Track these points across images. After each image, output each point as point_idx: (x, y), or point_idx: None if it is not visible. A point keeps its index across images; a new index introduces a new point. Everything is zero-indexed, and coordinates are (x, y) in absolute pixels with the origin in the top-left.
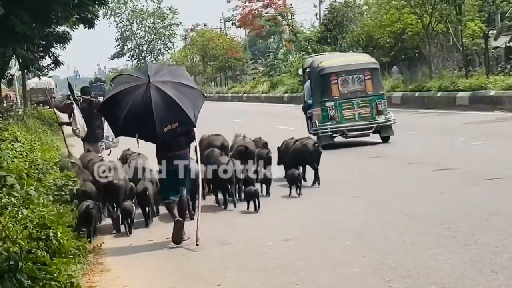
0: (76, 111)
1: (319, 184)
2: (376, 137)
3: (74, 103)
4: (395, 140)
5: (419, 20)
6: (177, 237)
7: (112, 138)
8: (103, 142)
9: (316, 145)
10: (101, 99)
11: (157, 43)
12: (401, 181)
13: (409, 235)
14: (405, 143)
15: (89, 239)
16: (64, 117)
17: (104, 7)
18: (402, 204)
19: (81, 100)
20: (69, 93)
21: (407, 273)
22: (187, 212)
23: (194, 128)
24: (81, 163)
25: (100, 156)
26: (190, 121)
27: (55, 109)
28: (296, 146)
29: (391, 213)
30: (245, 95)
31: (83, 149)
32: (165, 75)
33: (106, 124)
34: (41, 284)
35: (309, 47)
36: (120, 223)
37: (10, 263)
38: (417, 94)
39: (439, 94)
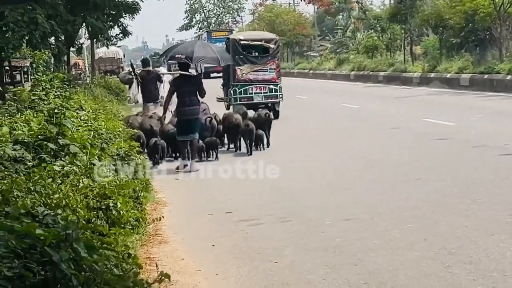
0: (134, 84)
1: (267, 146)
2: (438, 117)
3: (133, 77)
4: (460, 122)
5: (492, 1)
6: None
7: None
8: (158, 101)
9: (267, 114)
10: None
11: (225, 17)
12: (465, 165)
13: (472, 220)
14: (471, 125)
15: (156, 165)
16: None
17: None
18: (465, 188)
19: (141, 70)
20: (131, 70)
21: (468, 259)
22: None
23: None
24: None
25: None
26: (190, 59)
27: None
28: (255, 116)
29: (454, 197)
30: (311, 71)
31: (142, 108)
32: (213, 44)
33: (161, 86)
34: (97, 254)
35: (377, 25)
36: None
37: (67, 232)
38: (486, 76)
39: (508, 77)
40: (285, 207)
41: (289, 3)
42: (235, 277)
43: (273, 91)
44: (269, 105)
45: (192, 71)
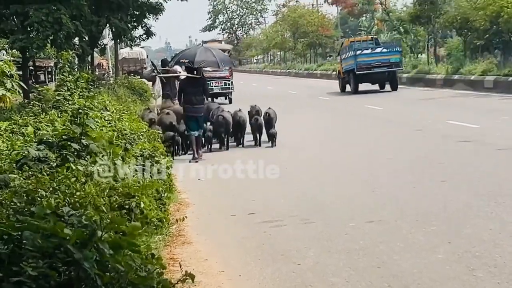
0: (157, 80)
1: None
2: (465, 120)
3: (157, 75)
4: (485, 125)
5: None
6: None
7: None
8: (175, 99)
9: (267, 114)
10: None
11: (249, 18)
12: (490, 167)
13: (497, 223)
14: (496, 128)
15: (172, 157)
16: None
17: None
18: (490, 191)
19: (161, 69)
20: (153, 68)
21: (493, 262)
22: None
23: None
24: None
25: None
26: (194, 63)
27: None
28: (264, 115)
29: (479, 200)
30: (334, 73)
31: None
32: (214, 48)
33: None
34: (122, 254)
35: (401, 27)
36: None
37: (91, 231)
38: (510, 79)
39: None
40: (308, 208)
41: (312, 4)
42: (258, 278)
43: (227, 84)
44: (225, 94)
45: None
